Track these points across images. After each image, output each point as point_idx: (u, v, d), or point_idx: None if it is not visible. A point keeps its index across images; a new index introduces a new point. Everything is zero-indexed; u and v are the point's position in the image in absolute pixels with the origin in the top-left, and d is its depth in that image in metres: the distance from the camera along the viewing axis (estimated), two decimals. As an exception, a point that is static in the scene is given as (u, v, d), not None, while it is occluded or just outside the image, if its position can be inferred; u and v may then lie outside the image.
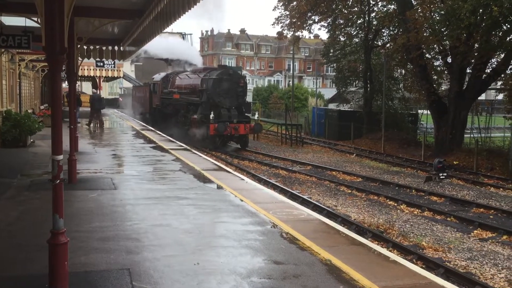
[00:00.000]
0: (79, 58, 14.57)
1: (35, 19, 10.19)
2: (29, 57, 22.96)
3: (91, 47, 15.46)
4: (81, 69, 27.69)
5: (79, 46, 12.82)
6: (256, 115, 25.98)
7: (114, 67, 27.66)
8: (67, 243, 4.89)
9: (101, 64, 24.66)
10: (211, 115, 22.96)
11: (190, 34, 63.27)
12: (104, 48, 15.73)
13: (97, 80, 33.03)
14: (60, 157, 4.86)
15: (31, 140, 17.94)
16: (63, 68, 15.62)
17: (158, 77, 33.34)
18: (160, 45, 31.78)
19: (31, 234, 7.06)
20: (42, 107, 33.15)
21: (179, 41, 37.02)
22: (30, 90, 29.03)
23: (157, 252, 6.30)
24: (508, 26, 20.76)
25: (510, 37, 20.68)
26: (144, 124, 32.60)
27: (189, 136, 24.77)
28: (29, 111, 24.00)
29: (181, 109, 27.24)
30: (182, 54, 32.65)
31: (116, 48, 15.75)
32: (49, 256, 4.84)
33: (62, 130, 5.10)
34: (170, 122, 28.31)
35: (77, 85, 28.64)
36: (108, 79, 41.72)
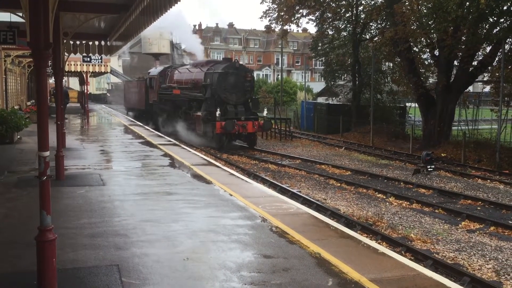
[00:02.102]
0: (66, 53, 14.44)
1: (20, 14, 10.08)
2: (14, 52, 22.72)
3: (78, 42, 15.34)
4: (68, 65, 27.44)
5: (65, 41, 12.70)
6: (265, 112, 23.89)
7: (101, 62, 27.31)
8: (55, 239, 4.87)
9: (88, 59, 24.35)
10: (218, 112, 21.19)
11: (178, 28, 62.79)
12: (90, 43, 15.62)
13: (84, 76, 32.71)
14: (47, 153, 4.82)
15: (18, 136, 17.76)
16: (49, 63, 15.48)
17: (154, 71, 31.42)
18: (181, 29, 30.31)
19: (19, 231, 7.01)
20: (28, 103, 32.84)
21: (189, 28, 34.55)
22: (16, 86, 28.74)
23: (146, 248, 6.28)
24: (495, 18, 20.91)
25: (497, 30, 20.81)
26: (132, 120, 32.44)
27: (191, 134, 23.24)
28: (16, 107, 23.76)
29: (182, 106, 25.31)
30: (186, 41, 30.87)
31: (103, 43, 15.64)
32: (37, 253, 4.81)
33: (49, 126, 5.06)
34: (169, 119, 26.74)
35: (64, 80, 28.49)
36: (95, 74, 41.34)
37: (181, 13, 34.69)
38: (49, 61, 15.13)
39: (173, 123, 25.89)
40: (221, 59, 27.19)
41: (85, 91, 33.05)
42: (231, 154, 20.77)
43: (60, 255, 5.53)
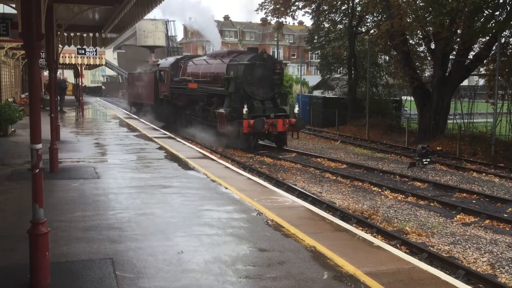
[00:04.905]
0: (60, 46, 14.33)
1: (13, 5, 9.96)
2: (8, 44, 22.53)
3: (72, 34, 15.22)
4: (62, 57, 27.24)
5: (58, 33, 12.59)
6: (296, 108, 21.58)
7: (96, 54, 27.04)
8: (48, 233, 4.83)
9: (83, 51, 24.13)
10: (245, 109, 18.90)
11: (173, 21, 62.55)
12: (85, 35, 15.50)
13: (79, 68, 32.50)
14: (39, 146, 4.77)
15: (12, 129, 17.69)
16: (43, 55, 15.35)
17: (165, 63, 28.63)
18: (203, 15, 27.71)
19: (12, 224, 6.97)
20: (23, 95, 32.65)
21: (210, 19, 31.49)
22: (10, 79, 28.56)
23: (140, 241, 6.24)
24: (490, 11, 20.87)
25: (492, 23, 20.78)
26: (128, 113, 32.30)
27: (211, 133, 21.29)
28: (10, 100, 23.62)
29: (199, 101, 23.03)
30: (210, 33, 27.45)
31: (97, 35, 15.53)
32: (29, 247, 4.78)
33: (43, 119, 5.00)
34: (183, 116, 24.68)
35: (58, 73, 28.33)
36: (90, 67, 41.07)
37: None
38: (43, 53, 15.05)
39: (188, 120, 24.17)
40: (246, 49, 23.87)
41: (80, 83, 32.84)
42: (226, 147, 20.55)
43: (54, 248, 5.48)
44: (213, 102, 21.57)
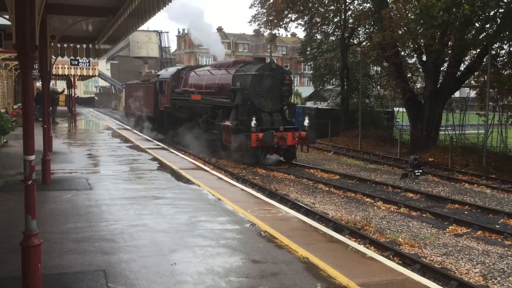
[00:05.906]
0: (53, 57, 14.33)
1: (7, 16, 9.98)
2: (1, 55, 22.50)
3: (65, 45, 15.23)
4: (55, 68, 27.20)
5: (52, 44, 12.60)
6: (306, 121, 20.54)
7: (89, 65, 26.99)
8: (40, 244, 4.80)
9: (76, 62, 24.12)
10: (253, 122, 18.07)
11: (167, 32, 62.79)
12: (78, 46, 15.52)
13: (72, 79, 32.45)
14: (32, 157, 4.76)
15: (4, 140, 17.61)
16: (36, 66, 15.34)
17: (165, 73, 27.55)
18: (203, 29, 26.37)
19: (4, 235, 6.92)
20: (15, 106, 32.54)
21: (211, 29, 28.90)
22: (3, 89, 28.45)
23: (133, 253, 6.22)
24: (481, 24, 21.13)
25: (483, 35, 21.02)
26: (120, 123, 32.23)
27: (216, 147, 20.65)
28: (2, 110, 23.51)
29: (203, 113, 22.04)
30: (210, 44, 26.37)
31: (90, 46, 15.55)
32: (21, 258, 4.75)
33: (36, 130, 5.00)
34: (185, 128, 23.70)
35: (51, 83, 28.26)
36: (83, 77, 41.02)
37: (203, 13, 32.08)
38: (36, 64, 15.03)
39: (190, 133, 23.38)
40: (253, 58, 22.12)
41: (73, 94, 32.76)
42: (219, 158, 20.52)
43: (46, 260, 5.46)
44: (218, 114, 20.66)
